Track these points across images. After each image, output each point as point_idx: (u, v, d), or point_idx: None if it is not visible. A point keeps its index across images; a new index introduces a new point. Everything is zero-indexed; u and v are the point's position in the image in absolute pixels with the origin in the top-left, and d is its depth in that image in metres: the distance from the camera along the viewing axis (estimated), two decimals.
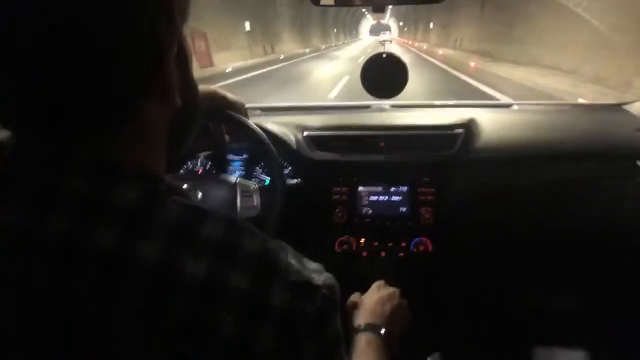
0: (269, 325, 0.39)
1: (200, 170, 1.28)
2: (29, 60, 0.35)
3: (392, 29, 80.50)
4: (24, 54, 0.35)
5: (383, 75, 1.25)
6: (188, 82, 0.48)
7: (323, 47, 32.31)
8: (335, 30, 51.24)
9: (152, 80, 0.41)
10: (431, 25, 30.95)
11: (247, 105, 1.49)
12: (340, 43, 45.67)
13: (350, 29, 67.28)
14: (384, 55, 1.25)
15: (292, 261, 0.42)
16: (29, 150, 0.39)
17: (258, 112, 1.52)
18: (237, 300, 0.38)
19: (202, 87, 0.92)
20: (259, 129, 1.00)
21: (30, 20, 0.34)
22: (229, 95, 1.00)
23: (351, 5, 1.11)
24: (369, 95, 1.31)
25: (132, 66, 0.38)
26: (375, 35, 68.75)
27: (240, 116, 1.00)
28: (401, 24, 54.45)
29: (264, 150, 1.00)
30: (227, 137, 1.08)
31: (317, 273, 0.44)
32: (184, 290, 0.37)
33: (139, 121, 0.41)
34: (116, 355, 0.36)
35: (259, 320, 0.38)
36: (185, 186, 0.96)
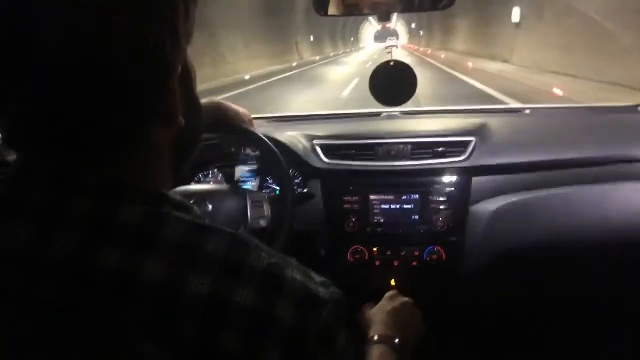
0: (275, 341, 0.38)
1: (212, 182, 1.29)
2: (41, 85, 0.36)
3: (400, 34, 68.34)
4: (36, 80, 0.36)
5: (391, 84, 1.25)
6: (191, 101, 0.48)
7: (317, 58, 27.60)
8: (327, 39, 40.21)
9: (157, 102, 0.41)
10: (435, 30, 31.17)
11: (257, 116, 1.51)
12: (331, 56, 32.93)
13: (350, 37, 54.06)
14: (392, 64, 1.25)
15: (298, 276, 0.42)
16: (36, 171, 0.40)
17: (268, 122, 1.52)
18: (242, 317, 0.38)
19: (206, 101, 0.93)
20: (265, 139, 1.00)
21: (44, 49, 0.35)
22: (234, 106, 1.00)
23: (358, 14, 1.11)
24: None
25: (137, 90, 0.39)
26: (381, 43, 56.62)
27: (246, 127, 1.00)
28: (414, 26, 43.52)
29: (272, 160, 0.99)
30: (234, 149, 1.08)
31: (323, 287, 0.43)
32: (189, 308, 0.37)
33: (143, 142, 0.42)
34: None
35: (265, 337, 0.38)
36: (194, 199, 0.96)
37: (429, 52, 25.67)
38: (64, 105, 0.37)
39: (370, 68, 1.32)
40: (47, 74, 0.35)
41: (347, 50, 44.82)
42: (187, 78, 0.46)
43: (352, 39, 56.23)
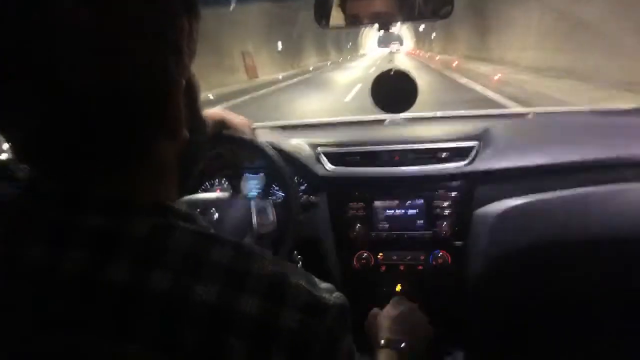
0: (281, 348, 0.39)
1: (218, 190, 1.30)
2: (53, 104, 0.37)
3: (404, 39, 61.04)
4: (50, 98, 0.37)
5: (393, 92, 1.26)
6: (195, 115, 0.49)
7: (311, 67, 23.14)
8: (327, 45, 33.92)
9: (162, 118, 0.42)
10: (433, 35, 29.90)
11: (261, 124, 1.52)
12: (328, 64, 28.28)
13: (346, 42, 44.19)
14: (392, 72, 1.26)
15: (302, 282, 0.43)
16: (46, 187, 0.41)
17: (271, 130, 1.54)
18: (248, 325, 0.38)
19: (207, 111, 0.94)
20: (268, 147, 1.01)
21: (59, 70, 0.36)
22: (235, 116, 1.02)
23: (360, 25, 1.13)
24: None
25: (143, 108, 0.40)
26: (384, 47, 50.84)
27: (248, 136, 1.01)
28: (421, 29, 35.62)
29: (276, 168, 1.01)
30: (238, 158, 1.09)
31: (327, 292, 0.44)
32: (196, 317, 0.38)
33: (150, 157, 0.43)
34: None
35: (271, 344, 0.39)
36: (201, 208, 0.98)
37: (455, 64, 16.12)
38: (74, 123, 0.38)
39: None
40: (59, 93, 0.36)
41: (339, 60, 33.99)
42: (191, 93, 0.47)
43: (350, 44, 45.78)
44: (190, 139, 0.47)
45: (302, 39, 24.35)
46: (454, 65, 16.23)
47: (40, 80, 0.36)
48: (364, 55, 47.10)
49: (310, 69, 23.81)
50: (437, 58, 22.48)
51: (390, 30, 1.13)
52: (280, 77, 17.12)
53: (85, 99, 0.37)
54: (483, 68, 12.99)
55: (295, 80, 17.02)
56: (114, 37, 0.37)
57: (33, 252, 0.39)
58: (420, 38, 42.43)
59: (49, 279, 0.38)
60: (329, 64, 29.13)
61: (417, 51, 39.60)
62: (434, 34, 30.29)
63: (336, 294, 0.45)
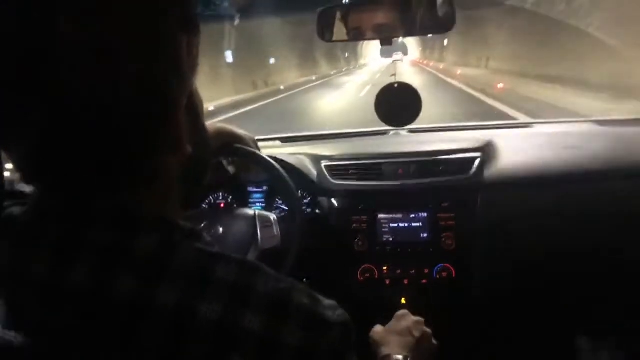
0: None
1: (222, 204, 1.31)
2: (54, 119, 0.38)
3: (409, 47, 57.40)
4: (50, 113, 0.37)
5: (396, 105, 1.27)
6: (199, 130, 0.50)
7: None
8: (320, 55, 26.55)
9: (164, 133, 0.42)
10: (445, 42, 26.10)
11: (263, 137, 1.53)
12: (314, 78, 21.52)
13: (344, 52, 36.28)
14: (396, 85, 1.27)
15: (305, 300, 0.43)
16: (51, 204, 0.42)
17: (274, 142, 1.54)
18: (251, 342, 0.39)
19: (211, 125, 0.94)
20: (272, 161, 1.02)
21: (60, 87, 0.36)
22: (237, 129, 1.02)
23: (362, 39, 1.14)
24: None
25: (144, 124, 0.40)
26: (387, 57, 42.92)
27: (251, 149, 1.01)
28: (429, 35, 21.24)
29: (280, 181, 1.01)
30: (242, 172, 1.09)
31: (331, 310, 0.44)
32: (200, 333, 0.38)
33: (152, 172, 0.43)
34: None
35: None
36: (205, 222, 0.98)
37: (499, 86, 10.31)
38: (74, 139, 0.38)
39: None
40: (59, 109, 0.37)
41: (331, 73, 26.64)
42: (194, 108, 0.48)
43: (347, 54, 38.54)
44: (193, 153, 0.47)
45: (280, 51, 18.40)
46: (498, 87, 10.15)
47: (40, 96, 0.37)
48: (364, 66, 41.06)
49: (281, 88, 16.10)
50: (459, 72, 15.84)
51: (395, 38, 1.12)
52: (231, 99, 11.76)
53: (85, 115, 0.37)
54: (552, 94, 8.29)
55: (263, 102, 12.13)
56: (111, 55, 0.37)
57: (38, 267, 0.39)
58: (428, 46, 37.82)
59: (54, 293, 0.38)
60: (314, 78, 21.13)
61: (425, 61, 35.25)
62: (446, 41, 24.73)
63: (339, 312, 0.44)
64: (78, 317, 0.38)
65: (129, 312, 0.38)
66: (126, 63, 0.38)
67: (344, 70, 32.62)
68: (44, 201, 0.42)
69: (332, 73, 27.52)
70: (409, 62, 40.71)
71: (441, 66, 21.41)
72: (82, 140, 0.38)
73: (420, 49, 44.76)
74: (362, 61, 46.82)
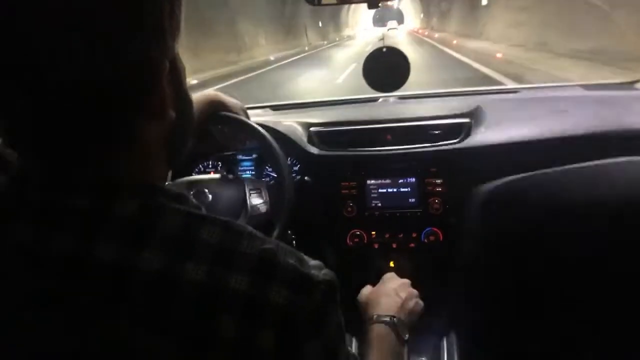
0: (269, 324, 0.40)
1: (212, 172, 1.31)
2: (32, 88, 0.37)
3: (406, 16, 47.92)
4: (28, 82, 0.37)
5: (385, 70, 1.26)
6: (181, 96, 0.49)
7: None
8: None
9: (146, 99, 0.42)
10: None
11: (253, 105, 1.52)
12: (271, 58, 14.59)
13: (329, 22, 30.21)
14: (384, 50, 1.26)
15: (291, 259, 0.43)
16: (34, 172, 0.42)
17: (264, 110, 1.54)
18: (237, 302, 0.40)
19: (200, 93, 0.94)
20: (259, 127, 1.01)
21: (36, 54, 0.36)
22: (227, 97, 1.01)
23: (350, 2, 1.12)
24: None
25: (126, 88, 0.40)
26: (380, 26, 35.55)
27: (240, 116, 1.01)
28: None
29: (269, 148, 1.01)
30: (231, 139, 1.09)
31: (316, 269, 0.45)
32: (185, 295, 0.39)
33: (135, 139, 0.43)
34: None
35: (259, 320, 0.40)
36: (195, 190, 0.98)
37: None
38: (55, 108, 0.38)
39: None
40: (39, 78, 0.37)
41: (305, 49, 19.91)
42: (176, 73, 0.47)
43: (332, 25, 31.03)
44: (176, 120, 0.47)
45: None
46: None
47: (19, 66, 0.36)
48: (350, 38, 31.41)
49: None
50: (473, 46, 12.11)
51: (389, 3, 1.09)
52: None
53: (65, 82, 0.37)
54: None
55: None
56: (89, 20, 0.36)
57: (21, 233, 0.39)
58: (430, 14, 30.93)
59: (36, 260, 0.39)
60: (272, 60, 15.33)
61: (424, 30, 30.11)
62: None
63: (325, 271, 0.46)
64: (62, 283, 0.38)
65: (113, 276, 0.38)
66: (105, 28, 0.37)
67: (324, 42, 25.09)
68: (26, 169, 0.42)
69: (307, 49, 20.31)
70: (404, 32, 34.63)
71: (455, 41, 16.09)
72: (62, 109, 0.38)
73: (422, 15, 36.25)
74: (347, 32, 37.58)
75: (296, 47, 19.99)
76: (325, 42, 25.60)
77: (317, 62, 14.75)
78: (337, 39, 30.19)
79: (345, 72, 10.31)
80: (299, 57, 16.75)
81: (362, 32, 39.86)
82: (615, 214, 1.20)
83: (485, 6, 14.87)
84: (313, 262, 0.46)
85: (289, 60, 15.78)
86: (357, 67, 9.46)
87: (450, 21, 21.89)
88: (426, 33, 26.81)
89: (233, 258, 0.41)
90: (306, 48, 19.25)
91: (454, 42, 15.90)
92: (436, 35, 22.45)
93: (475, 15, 16.19)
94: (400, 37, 24.67)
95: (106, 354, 0.38)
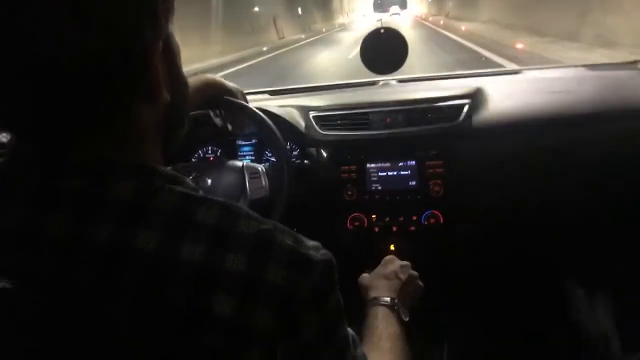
0: (266, 304, 0.40)
1: (211, 158, 1.31)
2: (23, 68, 0.37)
3: (409, 1, 39.66)
4: (19, 63, 0.37)
5: (382, 51, 1.25)
6: (176, 77, 0.49)
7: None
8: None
9: (139, 79, 0.42)
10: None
11: (252, 90, 1.51)
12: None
13: (312, 8, 24.30)
14: (382, 31, 1.24)
15: (288, 240, 0.43)
16: (29, 153, 0.41)
17: (262, 95, 1.53)
18: (234, 281, 0.39)
19: (199, 77, 0.94)
20: (259, 112, 1.01)
21: (24, 34, 0.35)
22: (226, 82, 1.01)
23: None
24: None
25: (119, 68, 0.39)
26: (381, 12, 26.01)
27: (239, 101, 1.00)
28: None
29: (268, 132, 1.01)
30: (230, 124, 1.09)
31: (314, 249, 0.45)
32: (182, 275, 0.39)
33: (129, 119, 0.43)
34: (120, 341, 0.39)
35: (256, 299, 0.40)
36: (194, 174, 0.98)
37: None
38: (47, 87, 0.37)
39: None
40: (30, 57, 0.36)
41: (260, 51, 12.54)
42: (170, 54, 0.47)
43: (319, 13, 25.74)
44: (172, 101, 0.46)
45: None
46: None
47: (9, 45, 0.36)
48: (344, 29, 24.42)
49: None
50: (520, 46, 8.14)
51: None
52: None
53: (57, 62, 0.36)
54: None
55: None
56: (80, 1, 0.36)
57: (14, 215, 0.39)
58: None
59: (31, 241, 0.39)
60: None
61: (431, 17, 25.69)
62: None
63: (322, 251, 0.45)
64: (59, 264, 0.38)
65: (109, 257, 0.38)
66: (96, 8, 0.36)
67: (299, 39, 17.46)
68: (21, 151, 0.42)
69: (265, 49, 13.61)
70: (408, 18, 30.13)
71: (463, 27, 13.42)
72: (55, 91, 0.38)
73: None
74: (340, 19, 31.81)
75: (255, 45, 13.59)
76: (304, 37, 18.37)
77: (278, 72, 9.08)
78: (324, 29, 23.04)
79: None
80: (253, 61, 10.83)
81: (360, 20, 34.14)
82: (619, 190, 1.19)
83: None
84: (311, 242, 0.46)
85: (233, 69, 9.36)
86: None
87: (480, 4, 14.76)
88: (441, 22, 19.34)
89: (230, 238, 0.41)
90: (264, 48, 13.25)
91: (463, 28, 11.61)
92: (462, 27, 14.16)
93: None
94: (404, 25, 19.88)
95: (102, 333, 0.39)
